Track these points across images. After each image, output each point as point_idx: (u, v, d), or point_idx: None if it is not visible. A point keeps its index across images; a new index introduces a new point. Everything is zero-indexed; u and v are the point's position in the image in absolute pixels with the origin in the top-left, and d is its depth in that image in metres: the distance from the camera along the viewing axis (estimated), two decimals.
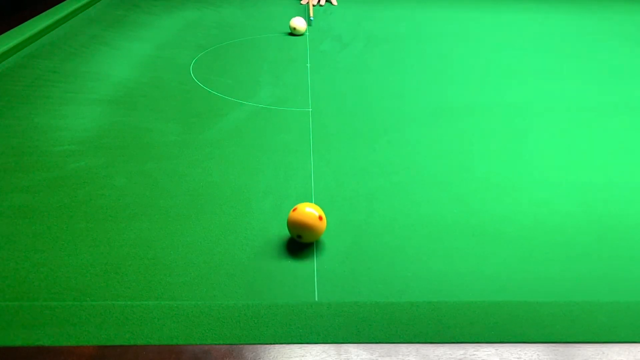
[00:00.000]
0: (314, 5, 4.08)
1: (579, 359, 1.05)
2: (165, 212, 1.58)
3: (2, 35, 2.87)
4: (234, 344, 1.07)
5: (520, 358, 1.04)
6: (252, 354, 1.04)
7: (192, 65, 2.82)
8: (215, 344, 1.07)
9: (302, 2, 4.24)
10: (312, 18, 3.78)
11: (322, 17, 3.88)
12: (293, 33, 3.37)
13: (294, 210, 1.43)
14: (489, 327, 1.13)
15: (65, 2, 3.59)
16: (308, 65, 2.87)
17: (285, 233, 1.48)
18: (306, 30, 3.44)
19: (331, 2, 4.26)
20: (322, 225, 1.43)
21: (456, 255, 1.43)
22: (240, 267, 1.36)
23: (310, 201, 1.64)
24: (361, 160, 1.92)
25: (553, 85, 2.68)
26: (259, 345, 1.07)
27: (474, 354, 1.05)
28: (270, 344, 1.07)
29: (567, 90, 2.63)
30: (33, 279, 1.30)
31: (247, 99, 2.42)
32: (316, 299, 1.25)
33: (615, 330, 1.13)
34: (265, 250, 1.43)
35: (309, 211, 1.41)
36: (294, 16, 3.46)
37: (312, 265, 1.37)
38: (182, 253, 1.41)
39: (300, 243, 1.45)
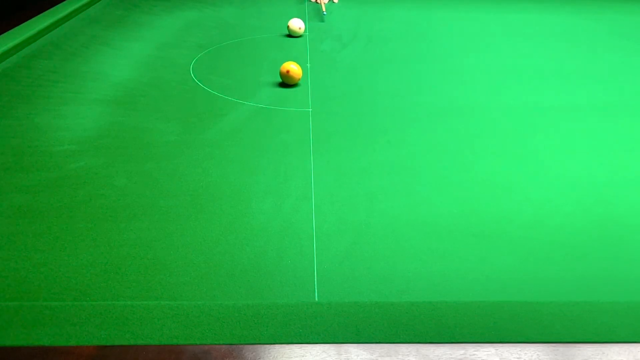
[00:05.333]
0: (325, 3, 4.10)
1: (579, 359, 1.05)
2: (165, 212, 1.58)
3: (2, 35, 2.87)
4: (234, 344, 1.07)
5: (520, 358, 1.04)
6: (252, 354, 1.04)
7: (192, 65, 2.82)
8: (215, 344, 1.07)
9: None
10: (324, 13, 3.80)
11: (318, 18, 3.88)
12: (292, 35, 3.37)
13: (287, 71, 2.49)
14: (489, 327, 1.13)
15: (65, 2, 3.59)
16: (308, 65, 2.87)
17: (286, 229, 1.49)
18: (305, 31, 3.44)
19: (332, 0, 4.27)
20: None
21: (456, 255, 1.43)
22: (240, 267, 1.36)
23: (310, 201, 1.64)
24: (361, 160, 1.92)
25: (553, 85, 2.68)
26: (259, 345, 1.07)
27: (474, 354, 1.05)
28: (270, 344, 1.07)
29: (567, 91, 2.63)
30: (33, 279, 1.30)
31: (247, 99, 2.42)
32: (316, 299, 1.25)
33: (615, 330, 1.13)
34: (265, 250, 1.43)
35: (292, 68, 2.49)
36: (293, 17, 3.46)
37: (312, 265, 1.37)
38: (182, 253, 1.41)
39: (300, 240, 1.46)
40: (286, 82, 2.56)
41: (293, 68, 2.53)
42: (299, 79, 2.55)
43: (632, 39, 3.53)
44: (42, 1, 3.55)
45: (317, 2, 4.21)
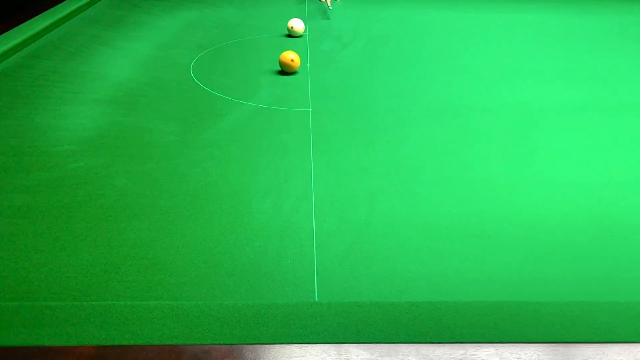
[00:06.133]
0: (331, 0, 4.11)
1: (579, 359, 1.05)
2: (165, 212, 1.58)
3: (2, 35, 2.87)
4: (234, 344, 1.07)
5: (520, 358, 1.04)
6: (252, 354, 1.04)
7: (192, 65, 2.82)
8: (215, 344, 1.07)
9: None
10: (330, 8, 3.80)
11: (322, 16, 3.88)
12: (291, 34, 3.37)
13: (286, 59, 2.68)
14: (489, 327, 1.13)
15: (65, 2, 3.59)
16: (308, 65, 2.87)
17: (286, 229, 1.49)
18: (305, 30, 3.44)
19: None
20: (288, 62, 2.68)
21: (456, 255, 1.43)
22: (240, 267, 1.36)
23: (310, 201, 1.64)
24: (361, 160, 1.92)
25: (553, 86, 2.68)
26: (259, 345, 1.07)
27: (474, 354, 1.05)
28: (270, 344, 1.07)
29: (567, 90, 2.63)
30: (33, 279, 1.30)
31: (247, 99, 2.42)
32: (316, 299, 1.25)
33: (615, 330, 1.13)
34: (265, 250, 1.43)
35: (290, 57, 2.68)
36: (293, 17, 3.46)
37: (312, 265, 1.37)
38: (182, 253, 1.41)
39: (300, 241, 1.45)
40: (286, 66, 2.71)
41: (292, 57, 2.69)
42: (297, 62, 2.72)
43: (632, 39, 3.53)
44: (42, 1, 3.55)
45: (322, 0, 4.21)
